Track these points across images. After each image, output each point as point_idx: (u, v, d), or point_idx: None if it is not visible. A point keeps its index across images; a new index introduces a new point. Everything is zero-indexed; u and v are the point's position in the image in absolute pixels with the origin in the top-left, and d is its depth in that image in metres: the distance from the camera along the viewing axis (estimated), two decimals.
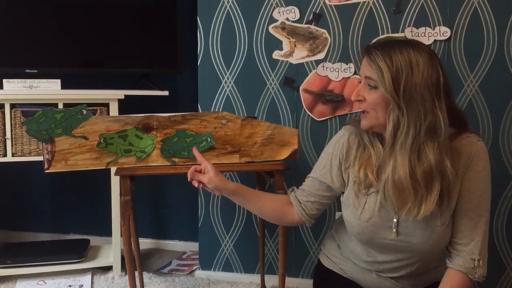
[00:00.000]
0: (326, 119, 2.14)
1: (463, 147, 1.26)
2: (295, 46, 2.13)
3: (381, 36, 2.03)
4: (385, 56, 1.19)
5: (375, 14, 2.04)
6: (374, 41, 1.29)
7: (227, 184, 1.42)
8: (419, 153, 1.19)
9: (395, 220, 1.29)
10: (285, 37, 2.13)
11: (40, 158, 1.86)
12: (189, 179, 1.42)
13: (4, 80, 2.17)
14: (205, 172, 1.42)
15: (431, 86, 1.18)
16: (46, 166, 1.61)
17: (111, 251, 2.37)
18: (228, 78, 2.21)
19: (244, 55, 2.18)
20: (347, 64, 2.08)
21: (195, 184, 1.42)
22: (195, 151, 1.52)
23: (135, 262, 2.03)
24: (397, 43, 1.22)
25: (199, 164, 1.45)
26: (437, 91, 1.19)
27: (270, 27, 2.13)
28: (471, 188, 1.27)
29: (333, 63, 2.10)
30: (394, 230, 1.30)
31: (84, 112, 1.62)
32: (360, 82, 1.28)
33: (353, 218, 1.34)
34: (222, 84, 2.21)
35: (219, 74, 2.21)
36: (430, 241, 1.27)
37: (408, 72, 1.17)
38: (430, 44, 1.99)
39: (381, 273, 1.38)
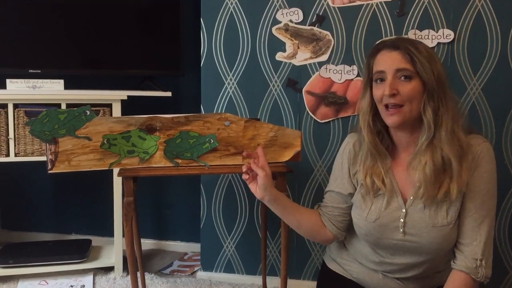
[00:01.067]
0: (329, 121, 2.14)
1: (470, 147, 1.28)
2: (298, 47, 2.13)
3: (384, 39, 2.03)
4: (414, 47, 1.24)
5: (379, 16, 2.04)
6: (383, 39, 1.32)
7: (273, 189, 1.41)
8: (454, 135, 1.24)
9: (402, 220, 1.30)
10: (288, 38, 2.13)
11: (43, 158, 1.86)
12: (244, 170, 1.40)
13: (8, 80, 2.17)
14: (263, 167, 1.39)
15: (446, 76, 1.27)
16: (49, 166, 1.61)
17: (113, 251, 2.38)
18: (231, 80, 2.21)
19: (247, 57, 2.18)
20: (350, 66, 2.08)
21: (245, 176, 1.40)
22: (260, 150, 1.44)
23: (137, 263, 2.03)
24: (410, 39, 1.31)
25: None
26: (448, 81, 1.28)
27: (273, 29, 2.14)
28: (475, 188, 1.28)
29: (336, 65, 2.10)
30: (401, 230, 1.30)
31: (88, 113, 1.61)
32: (378, 83, 1.29)
33: (360, 220, 1.36)
34: (225, 86, 2.21)
35: (222, 76, 2.21)
36: (436, 241, 1.28)
37: (435, 61, 1.25)
38: (434, 47, 1.99)
39: (388, 273, 1.38)
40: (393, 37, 1.32)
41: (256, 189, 1.40)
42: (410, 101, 1.24)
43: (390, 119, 1.27)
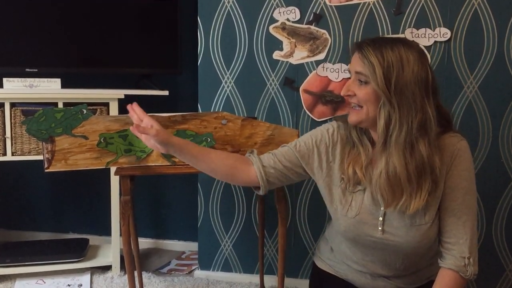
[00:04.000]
0: (326, 120, 2.14)
1: (446, 146, 1.28)
2: (296, 46, 2.13)
3: (367, 37, 2.04)
4: (377, 52, 1.21)
5: (376, 15, 2.04)
6: (365, 38, 1.31)
7: (172, 138, 1.34)
8: (412, 149, 1.21)
9: (380, 218, 1.31)
10: (286, 37, 2.13)
11: (40, 157, 1.86)
12: (132, 131, 1.32)
13: (4, 79, 2.17)
14: (149, 127, 1.32)
15: (421, 84, 1.21)
16: (46, 165, 1.61)
17: (110, 250, 2.38)
18: (228, 78, 2.21)
19: (245, 55, 2.18)
20: (347, 65, 2.08)
21: (137, 133, 1.32)
22: (136, 106, 1.37)
23: (134, 262, 2.03)
24: (389, 40, 1.25)
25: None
26: (426, 89, 1.22)
27: (270, 28, 2.14)
28: (455, 186, 1.28)
29: (333, 64, 2.10)
30: (379, 228, 1.31)
31: (84, 111, 1.61)
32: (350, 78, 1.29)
33: (340, 215, 1.36)
34: (222, 84, 2.21)
35: (219, 74, 2.21)
36: (415, 240, 1.29)
37: (399, 68, 1.19)
38: (430, 46, 2.00)
39: (374, 273, 1.39)
40: (373, 37, 1.31)
41: (155, 144, 1.33)
42: (365, 104, 1.25)
43: (350, 117, 1.29)
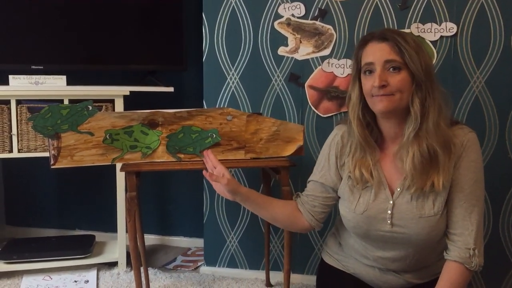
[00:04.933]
0: (332, 116, 2.13)
1: (455, 138, 1.29)
2: (301, 42, 2.12)
3: (373, 30, 2.02)
4: (403, 39, 1.25)
5: (381, 10, 2.03)
6: (377, 30, 1.34)
7: (240, 188, 1.44)
8: (438, 129, 1.25)
9: (389, 212, 1.31)
10: (291, 33, 2.12)
11: (46, 154, 1.87)
12: (205, 176, 1.43)
13: (10, 76, 2.17)
14: (221, 176, 1.43)
15: (433, 67, 1.29)
16: (52, 162, 1.61)
17: (116, 247, 2.38)
18: (233, 75, 2.20)
19: (249, 51, 2.17)
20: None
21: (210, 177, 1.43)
22: (211, 153, 1.53)
23: (140, 258, 2.03)
24: (397, 30, 1.33)
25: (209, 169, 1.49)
26: (434, 74, 1.29)
27: (275, 23, 2.13)
28: (463, 178, 1.29)
29: (338, 59, 2.09)
30: (388, 221, 1.31)
31: (90, 108, 1.62)
32: (366, 75, 1.30)
33: (348, 212, 1.37)
34: (227, 81, 2.21)
35: (224, 70, 2.21)
36: (424, 231, 1.29)
37: (423, 52, 1.25)
38: (437, 40, 1.99)
39: (383, 267, 1.39)
40: (381, 29, 1.33)
41: (224, 192, 1.43)
42: (399, 91, 1.25)
43: (380, 104, 1.27)
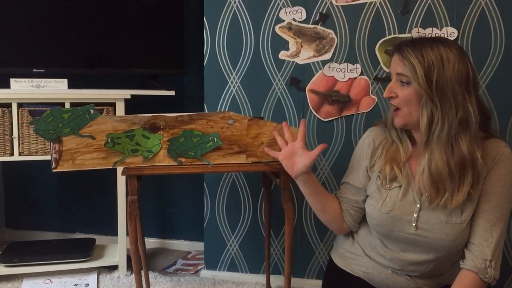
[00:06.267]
0: (333, 120, 2.13)
1: (489, 150, 1.29)
2: (302, 46, 2.12)
3: (387, 37, 2.03)
4: (417, 53, 1.24)
5: (382, 14, 2.03)
6: (404, 40, 1.34)
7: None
8: (453, 145, 1.24)
9: (415, 215, 1.31)
10: (292, 37, 2.13)
11: (47, 157, 1.87)
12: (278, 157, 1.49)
13: (12, 80, 2.18)
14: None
15: (461, 80, 1.23)
16: (53, 165, 1.61)
17: (117, 250, 2.38)
18: (234, 78, 2.21)
19: (251, 55, 2.18)
20: (353, 65, 2.08)
21: (280, 156, 1.49)
22: (302, 124, 1.52)
23: (141, 262, 2.03)
24: (427, 40, 1.28)
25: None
26: (467, 85, 1.24)
27: (276, 27, 2.13)
28: (491, 189, 1.29)
29: (339, 64, 2.10)
30: (413, 224, 1.31)
31: (92, 111, 1.62)
32: (389, 81, 1.32)
33: (374, 210, 1.38)
34: (228, 84, 2.22)
35: (226, 74, 2.21)
36: (449, 238, 1.29)
37: (440, 67, 1.23)
38: None
39: (397, 269, 1.39)
40: (413, 38, 1.35)
41: (293, 167, 1.44)
42: (407, 105, 1.28)
43: (395, 120, 1.33)
